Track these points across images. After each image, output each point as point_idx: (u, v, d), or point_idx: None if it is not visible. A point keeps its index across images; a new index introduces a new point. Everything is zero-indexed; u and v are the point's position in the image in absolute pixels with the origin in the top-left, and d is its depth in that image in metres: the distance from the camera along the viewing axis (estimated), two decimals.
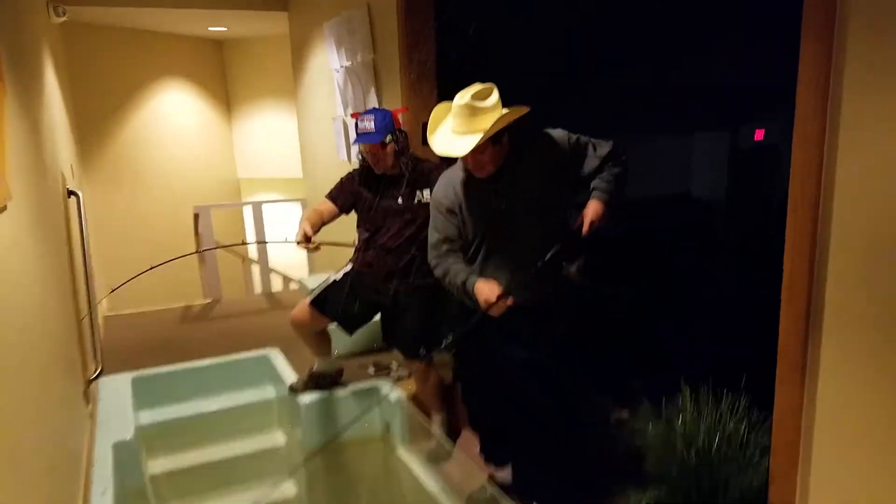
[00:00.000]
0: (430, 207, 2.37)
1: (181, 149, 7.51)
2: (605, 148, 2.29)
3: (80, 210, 3.76)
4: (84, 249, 3.70)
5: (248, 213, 6.66)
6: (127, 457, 2.79)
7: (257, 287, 6.26)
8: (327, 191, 2.99)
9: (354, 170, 2.98)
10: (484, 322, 2.21)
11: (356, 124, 2.80)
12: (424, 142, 2.35)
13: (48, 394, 2.16)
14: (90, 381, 3.12)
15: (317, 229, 2.85)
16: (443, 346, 2.36)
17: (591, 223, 2.24)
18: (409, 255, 2.83)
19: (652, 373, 2.47)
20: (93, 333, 3.37)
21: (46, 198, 2.82)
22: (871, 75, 1.27)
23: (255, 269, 6.44)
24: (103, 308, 5.54)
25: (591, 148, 2.29)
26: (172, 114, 7.42)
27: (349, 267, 3.04)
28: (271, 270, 6.46)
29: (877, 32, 1.25)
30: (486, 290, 2.16)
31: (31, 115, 2.70)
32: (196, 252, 5.78)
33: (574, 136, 2.28)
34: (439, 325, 2.83)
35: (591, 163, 2.29)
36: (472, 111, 2.05)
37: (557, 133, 2.28)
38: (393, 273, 2.88)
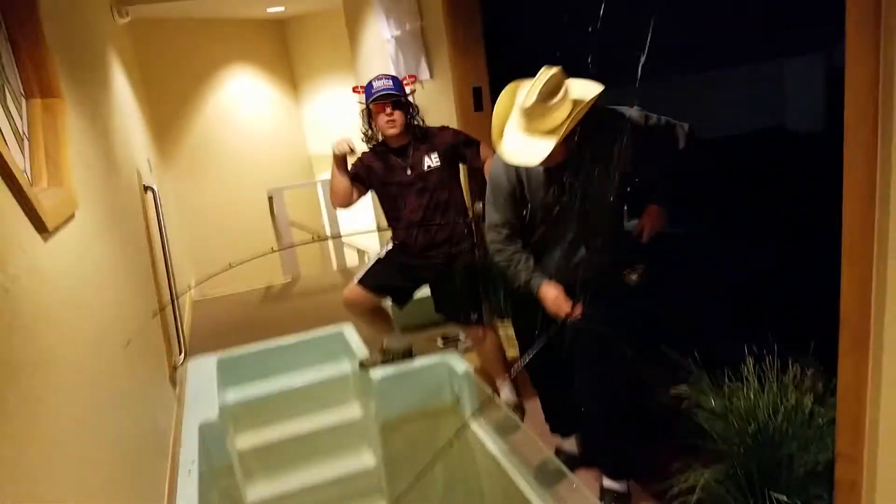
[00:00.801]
0: (488, 186, 2.32)
1: (253, 131, 7.73)
2: (684, 128, 2.15)
3: (157, 203, 3.95)
4: (163, 240, 3.89)
5: (320, 190, 6.80)
6: (212, 436, 2.94)
7: (333, 263, 6.42)
8: None
9: (364, 153, 3.00)
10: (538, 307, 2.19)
11: (370, 86, 2.82)
12: (477, 107, 2.29)
13: (132, 380, 2.31)
14: (176, 366, 3.29)
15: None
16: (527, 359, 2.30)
17: (651, 231, 2.23)
18: (436, 225, 2.86)
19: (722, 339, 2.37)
20: (176, 321, 3.55)
21: (120, 197, 2.98)
22: None
23: (331, 246, 6.60)
24: (192, 294, 5.85)
25: (671, 129, 2.15)
26: (242, 98, 7.63)
27: (390, 245, 3.11)
28: (348, 245, 6.60)
29: None
30: (552, 297, 2.17)
31: (99, 123, 2.84)
32: (273, 251, 5.98)
33: (652, 118, 2.13)
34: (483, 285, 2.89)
35: (668, 145, 2.16)
36: (542, 111, 1.90)
37: (633, 114, 2.10)
38: (425, 247, 2.92)
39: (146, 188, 3.97)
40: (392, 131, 2.82)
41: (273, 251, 6.04)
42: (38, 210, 1.48)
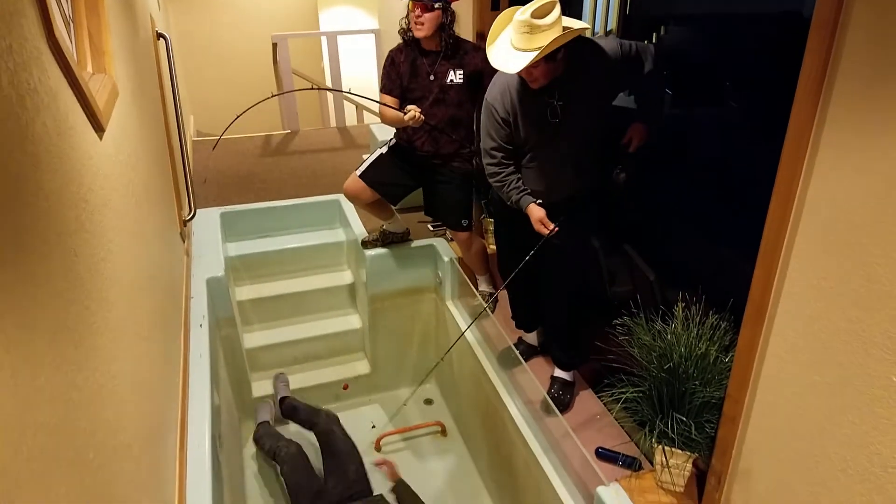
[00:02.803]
0: (483, 109, 2.50)
1: None
2: (650, 51, 2.35)
3: (169, 52, 4.01)
4: (174, 91, 4.00)
5: (324, 41, 6.75)
6: (218, 290, 3.30)
7: (332, 120, 6.54)
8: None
9: (392, 50, 3.07)
10: (518, 212, 2.49)
11: None
12: (494, 7, 2.40)
13: (158, 235, 2.55)
14: (185, 222, 3.58)
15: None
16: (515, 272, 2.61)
17: (638, 144, 2.46)
18: (444, 136, 3.01)
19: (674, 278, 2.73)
20: (186, 177, 3.77)
21: (139, 51, 3.06)
22: None
23: (331, 103, 6.67)
24: (191, 133, 5.98)
25: (640, 55, 2.35)
26: None
27: (393, 141, 3.26)
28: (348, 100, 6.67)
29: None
30: (537, 217, 2.42)
31: None
32: (278, 93, 6.02)
33: (626, 44, 2.33)
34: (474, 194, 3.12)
35: (639, 69, 2.37)
36: (530, 28, 2.08)
37: (610, 44, 2.31)
38: (430, 155, 3.10)
39: (159, 35, 4.02)
40: (419, 33, 2.89)
41: (273, 95, 6.13)
42: (97, 114, 1.68)
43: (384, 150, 3.28)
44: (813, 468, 1.65)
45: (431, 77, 2.97)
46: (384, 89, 3.07)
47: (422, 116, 2.87)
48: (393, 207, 3.47)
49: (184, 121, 4.07)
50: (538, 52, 2.09)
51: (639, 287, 2.95)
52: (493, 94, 2.45)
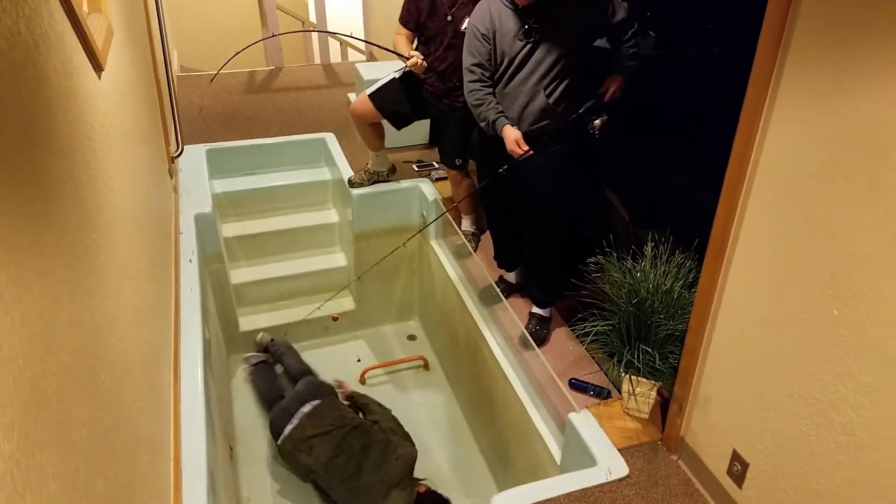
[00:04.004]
0: (467, 32, 2.57)
1: None
2: (623, 13, 2.45)
3: None
4: (160, 24, 3.95)
5: None
6: (206, 226, 3.37)
7: (316, 56, 6.48)
8: None
9: None
10: (501, 149, 2.58)
11: None
12: None
13: (150, 170, 2.61)
14: (173, 158, 3.62)
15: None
16: (480, 185, 2.71)
17: (614, 94, 2.58)
18: (453, 81, 3.05)
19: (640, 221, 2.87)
20: (173, 114, 3.78)
21: None
22: None
23: (315, 38, 6.59)
24: (174, 69, 5.90)
25: (621, 8, 2.44)
26: None
27: (407, 68, 3.20)
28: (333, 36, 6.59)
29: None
30: (513, 138, 2.50)
31: None
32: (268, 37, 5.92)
33: None
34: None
35: (617, 15, 2.47)
36: None
37: None
38: (440, 93, 3.16)
39: None
40: None
41: (273, 35, 6.06)
42: (97, 54, 1.73)
43: (397, 75, 3.30)
44: (763, 394, 1.82)
45: (449, 18, 2.98)
46: (401, 20, 3.09)
47: (424, 64, 2.92)
48: (384, 140, 3.54)
49: (170, 56, 4.04)
50: None
51: (614, 227, 3.08)
52: (477, 13, 2.55)
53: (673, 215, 2.58)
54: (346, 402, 3.19)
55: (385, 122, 3.46)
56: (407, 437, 2.97)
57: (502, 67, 2.55)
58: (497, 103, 2.59)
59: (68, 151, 1.31)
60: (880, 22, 1.32)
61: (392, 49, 3.05)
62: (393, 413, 3.16)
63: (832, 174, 1.49)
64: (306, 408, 2.97)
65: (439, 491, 2.78)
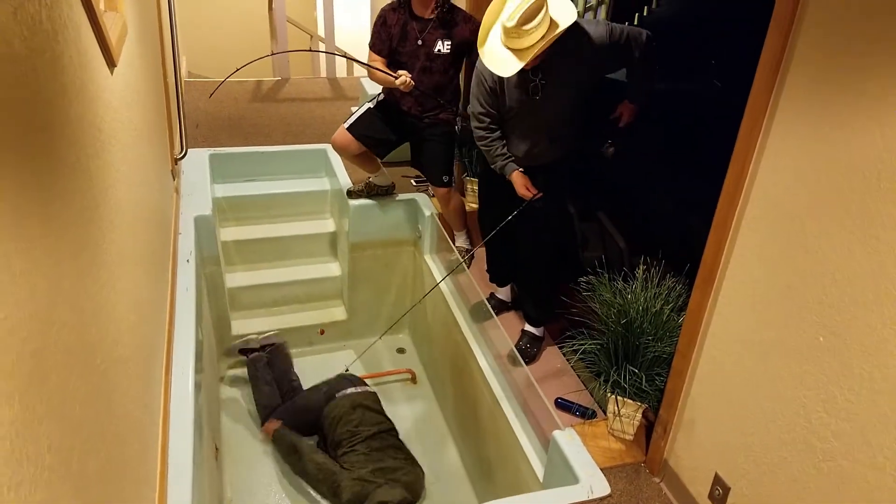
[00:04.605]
0: (474, 77, 2.61)
1: None
2: (641, 40, 2.45)
3: None
4: (172, 29, 4.01)
5: None
6: (205, 228, 3.40)
7: (323, 70, 6.55)
8: None
9: (384, 7, 3.11)
10: (499, 177, 2.63)
11: None
12: None
13: (148, 165, 2.63)
14: (177, 160, 3.65)
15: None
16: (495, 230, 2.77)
17: (628, 121, 2.65)
18: (431, 100, 3.10)
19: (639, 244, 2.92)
20: (179, 116, 3.83)
21: None
22: None
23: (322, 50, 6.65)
24: (182, 73, 5.96)
25: (630, 43, 2.45)
26: None
27: (382, 96, 3.33)
28: (339, 55, 6.69)
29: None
30: (522, 184, 2.59)
31: None
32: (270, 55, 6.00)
33: (616, 31, 2.42)
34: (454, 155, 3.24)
35: (628, 57, 2.49)
36: (518, 33, 2.19)
37: (599, 30, 2.41)
38: (416, 115, 3.20)
39: None
40: (417, 5, 2.97)
41: (276, 53, 6.14)
42: (111, 49, 1.77)
43: (372, 104, 3.36)
44: (747, 418, 1.84)
45: (419, 42, 3.03)
46: (374, 48, 3.13)
47: (412, 82, 2.95)
48: (379, 161, 3.57)
49: (179, 60, 4.09)
50: (525, 58, 2.22)
51: (609, 253, 3.13)
52: (482, 63, 2.54)
53: (666, 241, 2.63)
54: None
55: None
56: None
57: (509, 115, 2.61)
58: (504, 146, 2.66)
59: (79, 140, 1.34)
60: (872, 55, 1.37)
61: (378, 66, 3.07)
62: None
63: (823, 205, 1.53)
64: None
65: None
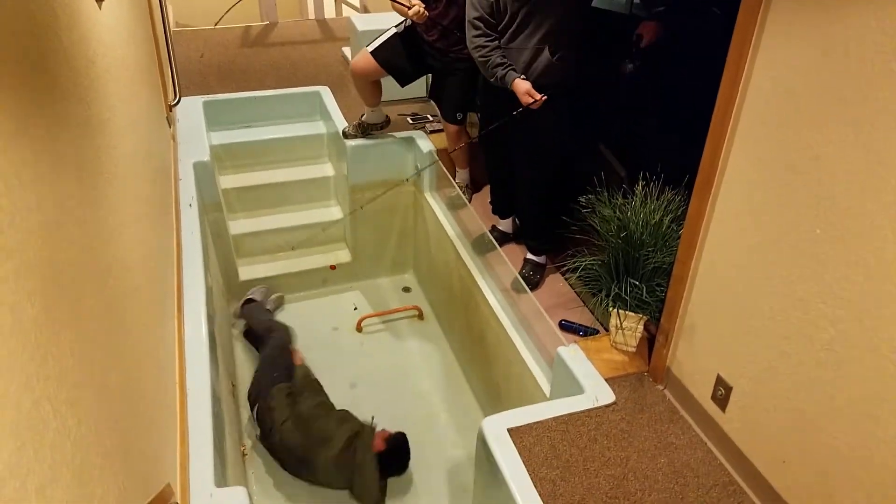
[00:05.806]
0: None
1: None
2: None
3: None
4: None
5: None
6: (204, 174, 3.40)
7: (311, 11, 6.43)
8: None
9: None
10: (506, 99, 2.60)
11: None
12: None
13: (151, 118, 2.65)
14: (171, 107, 3.63)
15: None
16: (485, 131, 2.74)
17: (649, 42, 2.60)
18: (456, 35, 3.04)
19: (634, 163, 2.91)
20: (171, 63, 3.79)
21: None
22: None
23: None
24: (170, 23, 5.86)
25: None
26: None
27: (409, 22, 3.19)
28: None
29: None
30: (524, 90, 2.52)
31: None
32: None
33: None
34: (474, 93, 3.18)
35: None
36: None
37: None
38: (441, 49, 3.14)
39: None
40: None
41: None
42: None
43: (400, 29, 3.26)
44: (746, 319, 1.89)
45: None
46: None
47: (425, 13, 2.89)
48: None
49: (166, 9, 4.04)
50: None
51: (610, 184, 3.12)
52: None
53: (666, 161, 2.63)
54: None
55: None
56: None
57: (505, 23, 2.56)
58: (503, 56, 2.60)
59: (73, 66, 1.34)
60: None
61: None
62: (389, 361, 3.25)
63: (818, 96, 1.53)
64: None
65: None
